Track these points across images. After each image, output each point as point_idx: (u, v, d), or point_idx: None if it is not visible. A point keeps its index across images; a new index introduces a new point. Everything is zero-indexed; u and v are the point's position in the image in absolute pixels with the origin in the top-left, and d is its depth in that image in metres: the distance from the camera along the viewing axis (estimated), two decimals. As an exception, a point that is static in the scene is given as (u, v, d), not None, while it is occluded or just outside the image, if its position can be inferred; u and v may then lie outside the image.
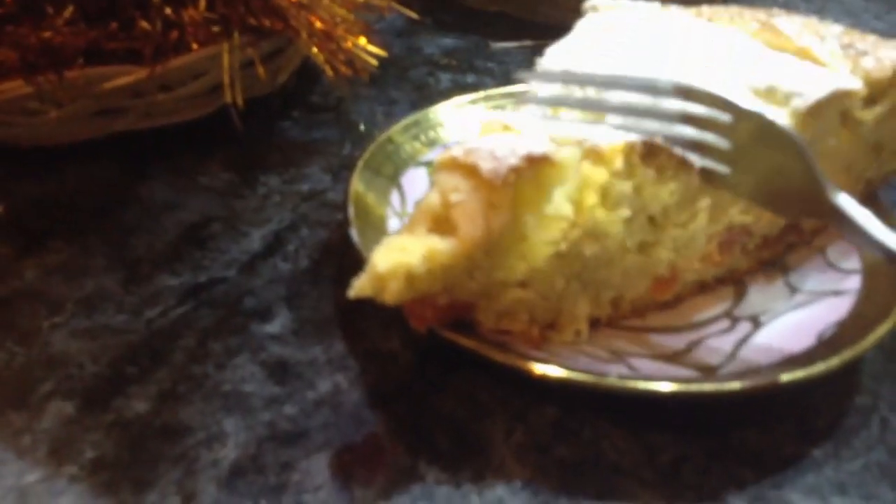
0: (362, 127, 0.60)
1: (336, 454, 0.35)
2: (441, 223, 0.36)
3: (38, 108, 0.48)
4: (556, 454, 0.36)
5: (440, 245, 0.34)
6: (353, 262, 0.45)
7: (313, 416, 0.37)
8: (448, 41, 0.73)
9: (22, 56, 0.46)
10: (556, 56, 0.48)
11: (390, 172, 0.49)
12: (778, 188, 0.37)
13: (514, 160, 0.35)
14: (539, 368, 0.35)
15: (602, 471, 0.35)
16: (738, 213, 0.43)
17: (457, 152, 0.36)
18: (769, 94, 0.42)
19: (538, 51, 0.71)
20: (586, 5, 0.55)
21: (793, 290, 0.44)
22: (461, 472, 0.35)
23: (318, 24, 0.52)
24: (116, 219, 0.49)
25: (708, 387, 0.35)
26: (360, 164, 0.48)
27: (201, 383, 0.38)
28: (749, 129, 0.37)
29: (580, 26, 0.51)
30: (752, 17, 0.50)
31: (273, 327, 0.42)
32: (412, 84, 0.66)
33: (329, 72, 0.53)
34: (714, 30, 0.48)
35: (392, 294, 0.34)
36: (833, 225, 0.37)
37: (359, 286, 0.34)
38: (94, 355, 0.39)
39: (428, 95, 0.64)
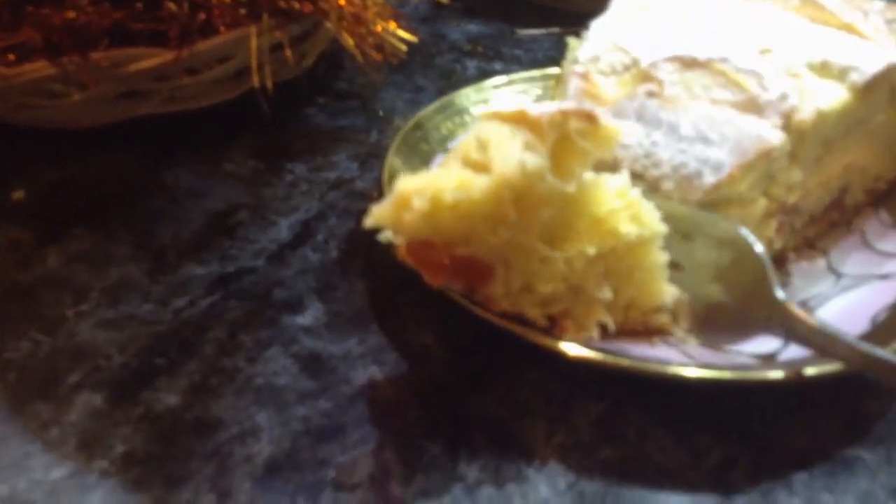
0: (381, 113, 0.59)
1: (373, 451, 0.34)
2: (475, 165, 0.34)
3: (62, 90, 0.47)
4: (601, 455, 0.35)
5: (471, 178, 0.33)
6: (383, 253, 0.45)
7: (349, 412, 0.36)
8: (473, 27, 0.72)
9: (45, 37, 0.45)
10: (599, 33, 0.47)
11: (423, 157, 0.48)
12: (726, 287, 0.37)
13: (563, 106, 0.35)
14: (603, 359, 0.35)
15: (648, 473, 0.34)
16: (787, 191, 0.42)
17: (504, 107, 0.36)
18: (824, 68, 0.42)
19: (565, 38, 0.70)
20: None
21: (836, 273, 0.43)
22: (503, 472, 0.34)
23: (348, 8, 0.51)
24: (140, 206, 0.48)
25: (774, 375, 0.34)
26: (393, 148, 0.47)
27: (232, 376, 0.37)
28: (705, 232, 0.37)
29: (617, 2, 0.50)
30: None
31: (305, 319, 0.40)
32: (438, 71, 0.65)
33: (359, 57, 0.52)
34: (756, 5, 0.48)
35: (412, 220, 0.32)
36: (779, 330, 0.35)
37: (378, 212, 0.33)
38: (121, 346, 0.38)
39: (455, 83, 0.63)
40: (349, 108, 0.59)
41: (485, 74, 0.64)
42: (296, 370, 0.38)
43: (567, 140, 0.34)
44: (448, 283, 0.37)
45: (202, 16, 0.48)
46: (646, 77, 0.44)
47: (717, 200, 0.39)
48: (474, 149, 0.35)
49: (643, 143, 0.40)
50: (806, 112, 0.40)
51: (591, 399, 0.37)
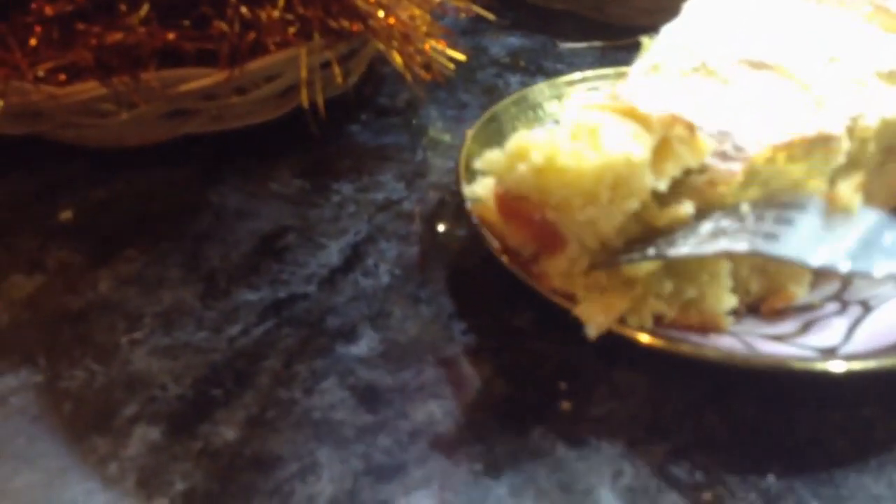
0: (424, 130, 0.58)
1: (436, 493, 0.33)
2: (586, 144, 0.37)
3: (111, 109, 0.47)
4: (668, 501, 0.34)
5: (585, 151, 0.36)
6: (435, 280, 0.44)
7: (409, 449, 0.35)
8: (514, 40, 0.71)
9: (97, 56, 0.45)
10: (669, 39, 0.46)
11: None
12: None
13: (672, 109, 0.37)
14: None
15: (717, 518, 0.33)
16: (852, 192, 0.42)
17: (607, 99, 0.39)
18: (892, 76, 0.42)
19: (608, 52, 0.69)
20: None
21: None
22: (569, 515, 0.33)
23: (398, 26, 0.50)
24: (189, 226, 0.47)
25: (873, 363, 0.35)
26: (469, 138, 0.48)
27: (290, 409, 0.37)
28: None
29: (688, 8, 0.50)
30: (862, 0, 0.49)
31: (359, 349, 0.40)
32: (480, 87, 0.64)
33: (407, 76, 0.51)
34: (828, 13, 0.48)
35: (524, 172, 0.36)
36: None
37: (491, 157, 0.38)
38: (176, 376, 0.38)
39: (497, 99, 0.62)
40: (392, 124, 0.58)
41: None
42: (353, 403, 0.37)
43: (667, 143, 0.37)
44: (522, 243, 0.39)
45: (252, 35, 0.48)
46: (713, 76, 0.44)
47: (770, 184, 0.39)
48: (584, 130, 0.37)
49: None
50: (870, 119, 0.41)
51: (655, 438, 0.36)
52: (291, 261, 0.45)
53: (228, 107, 0.50)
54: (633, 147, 0.35)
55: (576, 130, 0.37)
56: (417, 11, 0.51)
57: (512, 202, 0.39)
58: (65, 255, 0.44)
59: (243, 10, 0.47)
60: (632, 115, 0.37)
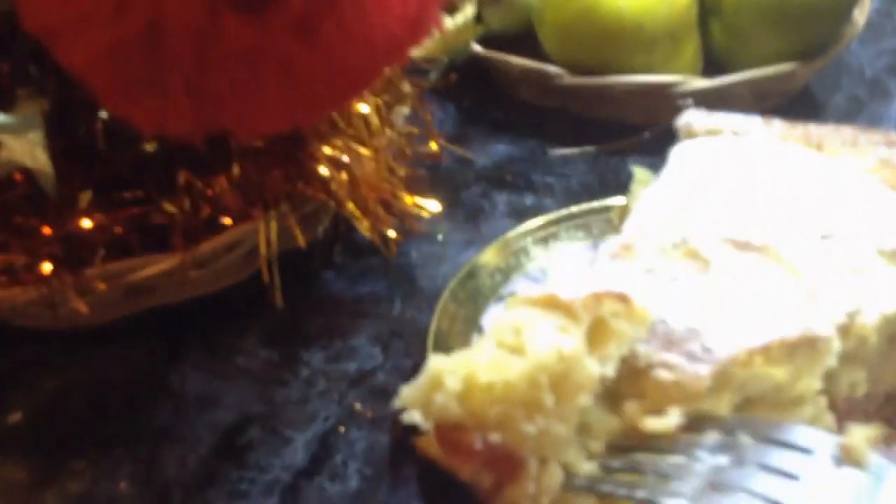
0: (403, 275, 0.54)
1: None
2: (510, 348, 0.33)
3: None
4: None
5: (507, 359, 0.32)
6: (408, 481, 0.41)
7: None
8: (501, 148, 0.67)
9: (34, 257, 0.41)
10: (655, 199, 0.43)
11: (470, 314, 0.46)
12: None
13: (596, 289, 0.34)
14: None
15: None
16: (851, 387, 0.39)
17: (532, 292, 0.35)
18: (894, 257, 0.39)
19: (601, 157, 0.65)
20: (680, 126, 0.49)
21: None
22: None
23: (366, 190, 0.46)
24: (145, 423, 0.44)
25: None
26: (440, 308, 0.46)
27: None
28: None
29: (675, 158, 0.46)
30: (868, 148, 0.45)
31: (321, 590, 0.37)
32: (465, 210, 0.60)
33: (376, 239, 0.48)
34: (827, 165, 0.44)
35: (445, 401, 0.32)
36: None
37: (409, 393, 0.33)
38: None
39: (483, 226, 0.58)
40: (369, 268, 0.54)
41: (515, 212, 0.60)
42: None
43: (602, 322, 0.34)
44: (476, 476, 0.34)
45: (206, 211, 0.44)
46: (694, 257, 0.40)
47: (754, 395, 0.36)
48: (508, 332, 0.33)
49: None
50: (869, 316, 0.37)
51: None
52: (253, 463, 0.42)
53: (187, 281, 0.47)
54: (562, 340, 0.32)
55: (499, 336, 0.34)
56: (386, 174, 0.48)
57: (450, 434, 0.34)
58: (10, 470, 0.42)
59: (196, 184, 0.44)
60: (555, 305, 0.34)
